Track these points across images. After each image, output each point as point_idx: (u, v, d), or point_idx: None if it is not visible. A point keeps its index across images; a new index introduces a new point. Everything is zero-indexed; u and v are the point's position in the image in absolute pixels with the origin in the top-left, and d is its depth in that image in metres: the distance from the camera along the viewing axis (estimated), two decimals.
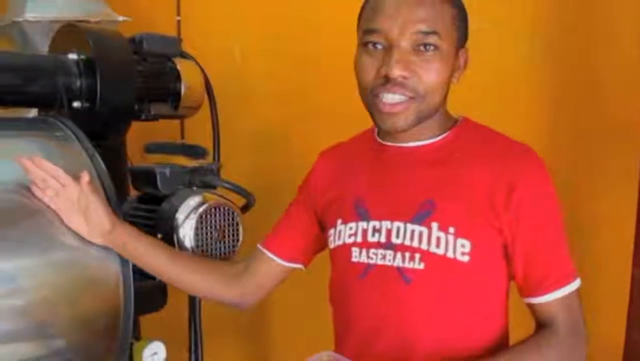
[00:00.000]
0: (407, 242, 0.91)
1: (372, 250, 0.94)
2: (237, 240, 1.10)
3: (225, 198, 1.08)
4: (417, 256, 0.90)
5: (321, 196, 1.03)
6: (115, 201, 1.03)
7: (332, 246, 0.99)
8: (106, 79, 1.07)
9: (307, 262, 1.08)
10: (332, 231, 0.99)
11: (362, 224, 0.95)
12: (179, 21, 1.70)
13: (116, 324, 1.04)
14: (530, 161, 0.92)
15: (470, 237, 0.89)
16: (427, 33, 0.87)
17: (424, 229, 0.90)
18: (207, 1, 1.70)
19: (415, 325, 0.92)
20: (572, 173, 1.43)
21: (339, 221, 0.98)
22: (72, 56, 1.09)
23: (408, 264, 0.90)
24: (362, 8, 0.93)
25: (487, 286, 0.93)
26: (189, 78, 1.21)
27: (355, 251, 0.95)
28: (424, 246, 0.90)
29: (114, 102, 1.09)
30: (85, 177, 0.97)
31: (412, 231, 0.91)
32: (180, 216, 1.05)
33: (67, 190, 0.96)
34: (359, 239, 0.95)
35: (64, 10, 1.44)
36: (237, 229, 1.11)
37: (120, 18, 1.52)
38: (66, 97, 1.10)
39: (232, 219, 1.08)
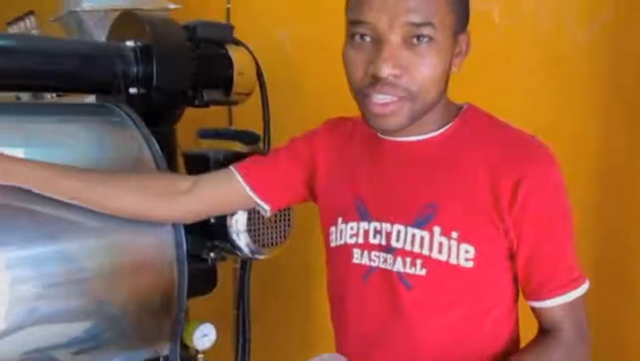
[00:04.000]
0: (408, 247, 0.87)
1: (374, 253, 0.90)
2: (289, 225, 1.11)
3: None
4: (419, 262, 0.86)
5: (321, 175, 0.98)
6: None
7: (332, 245, 0.95)
8: (162, 66, 1.10)
9: (274, 206, 1.02)
10: (332, 229, 0.95)
11: (363, 225, 0.91)
12: (228, 9, 1.72)
13: (170, 305, 1.07)
14: (539, 154, 0.86)
15: (474, 242, 0.84)
16: (419, 25, 0.78)
17: (426, 234, 0.86)
18: None
19: (418, 332, 0.88)
20: (626, 165, 1.38)
21: (340, 220, 0.94)
22: (130, 43, 1.12)
23: (409, 270, 0.87)
24: None
25: (493, 291, 0.89)
26: (241, 65, 1.23)
27: (356, 253, 0.91)
28: (425, 252, 0.86)
29: (170, 88, 1.11)
30: None
31: (413, 236, 0.87)
32: None
33: None
34: (361, 240, 0.91)
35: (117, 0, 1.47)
36: (289, 215, 1.12)
37: (172, 6, 1.54)
38: (123, 83, 1.13)
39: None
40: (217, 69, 1.21)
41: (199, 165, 1.10)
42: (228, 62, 1.21)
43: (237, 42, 1.24)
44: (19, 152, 0.96)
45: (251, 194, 0.98)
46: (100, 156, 1.09)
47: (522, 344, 0.93)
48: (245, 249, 1.10)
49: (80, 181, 0.94)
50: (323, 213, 0.99)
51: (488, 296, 0.89)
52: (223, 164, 1.06)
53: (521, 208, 0.83)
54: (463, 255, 0.84)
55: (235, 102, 1.27)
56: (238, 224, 1.07)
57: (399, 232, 0.87)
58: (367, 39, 0.81)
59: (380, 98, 0.81)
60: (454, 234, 0.84)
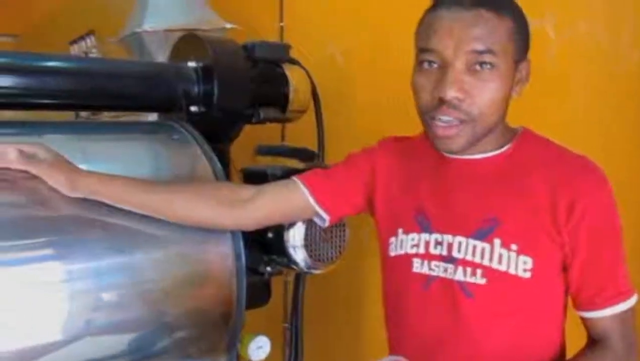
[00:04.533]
0: (469, 257, 0.92)
1: (434, 262, 0.94)
2: (344, 241, 1.13)
3: None
4: (479, 271, 0.91)
5: (381, 188, 1.03)
6: None
7: (392, 254, 1.00)
8: (223, 85, 1.14)
9: (333, 217, 1.05)
10: (392, 239, 1.00)
11: (424, 236, 0.96)
12: (282, 26, 1.75)
13: (228, 316, 1.10)
14: (592, 174, 0.91)
15: (532, 254, 0.89)
16: (481, 52, 0.86)
17: (486, 246, 0.91)
18: (310, 7, 1.75)
19: (478, 339, 0.93)
20: None
21: (400, 231, 0.99)
22: (192, 64, 1.16)
23: (470, 279, 0.92)
24: (418, 25, 0.93)
25: (547, 301, 0.94)
26: (297, 83, 1.26)
27: (416, 262, 0.96)
28: (485, 262, 0.91)
29: (229, 106, 1.15)
30: (11, 154, 0.91)
31: (474, 247, 0.92)
32: None
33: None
34: (421, 250, 0.96)
35: (177, 20, 1.52)
36: (344, 231, 1.14)
37: (228, 25, 1.59)
38: (185, 102, 1.17)
39: (341, 221, 1.11)
40: (274, 87, 1.24)
41: (256, 181, 1.13)
42: (285, 81, 1.24)
43: (293, 61, 1.27)
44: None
45: (313, 203, 1.02)
46: (163, 173, 1.13)
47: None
48: (302, 264, 1.13)
49: (146, 192, 0.99)
50: (382, 225, 1.04)
51: (543, 306, 0.93)
52: (280, 180, 1.09)
53: (576, 224, 0.89)
54: (522, 266, 0.90)
55: (290, 120, 1.30)
56: (295, 239, 1.09)
57: (460, 243, 0.93)
58: (434, 65, 0.89)
59: (444, 120, 0.88)
60: (514, 247, 0.90)
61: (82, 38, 2.17)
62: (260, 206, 1.02)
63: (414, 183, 1.00)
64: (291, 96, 1.25)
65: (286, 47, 1.28)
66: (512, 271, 0.90)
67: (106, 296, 0.97)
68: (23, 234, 0.91)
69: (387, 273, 1.03)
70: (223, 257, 1.07)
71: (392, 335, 1.04)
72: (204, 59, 1.16)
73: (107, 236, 0.98)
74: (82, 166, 0.99)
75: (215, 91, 1.13)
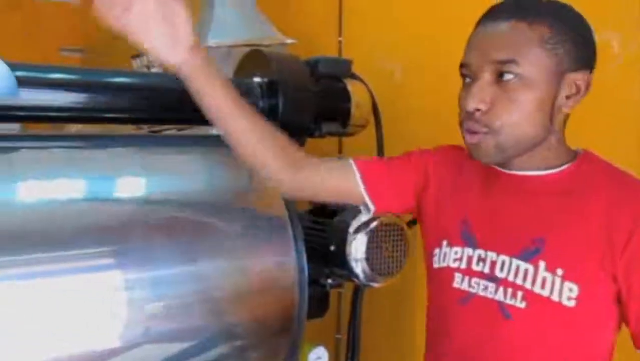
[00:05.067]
0: (511, 278, 0.88)
1: (475, 279, 0.92)
2: (404, 254, 1.14)
3: (393, 214, 1.12)
4: (520, 294, 0.87)
5: (433, 190, 1.02)
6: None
7: (435, 266, 0.98)
8: (287, 100, 1.16)
9: (379, 207, 1.03)
10: (437, 251, 0.98)
11: (468, 251, 0.93)
12: (340, 41, 1.78)
13: (289, 326, 1.12)
14: None
15: (579, 281, 0.84)
16: (504, 62, 0.84)
17: (530, 267, 0.87)
18: (369, 23, 1.77)
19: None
20: None
21: (445, 243, 0.97)
22: (257, 79, 1.19)
23: (509, 301, 0.88)
24: None
25: (593, 334, 0.88)
26: (358, 98, 1.28)
27: (457, 276, 0.94)
28: (527, 285, 0.87)
29: (293, 121, 1.17)
30: None
31: (517, 267, 0.88)
32: (351, 230, 1.11)
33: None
34: (463, 265, 0.94)
35: (240, 36, 1.58)
36: (405, 245, 1.15)
37: (289, 40, 1.63)
38: None
39: (401, 236, 1.12)
40: (336, 102, 1.26)
41: None
42: (346, 96, 1.26)
43: (355, 77, 1.29)
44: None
45: (362, 191, 1.01)
46: (225, 185, 1.17)
47: None
48: (362, 276, 1.14)
49: (237, 107, 0.96)
50: (428, 234, 1.03)
51: (588, 339, 0.88)
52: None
53: (634, 253, 0.83)
54: (566, 293, 0.85)
55: (351, 134, 1.32)
56: (357, 252, 1.11)
57: (503, 262, 0.89)
58: (468, 79, 0.90)
59: (469, 126, 0.89)
60: (559, 272, 0.85)
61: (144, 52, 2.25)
62: (316, 178, 1.02)
63: (463, 195, 0.98)
64: (353, 110, 1.26)
65: (348, 63, 1.30)
66: (554, 297, 0.85)
67: (170, 303, 1.01)
68: (89, 242, 0.95)
69: (430, 285, 1.02)
70: (286, 269, 1.10)
71: (431, 349, 1.03)
72: (268, 74, 1.19)
73: (172, 245, 1.02)
74: (146, 179, 1.04)
75: (280, 105, 1.16)
